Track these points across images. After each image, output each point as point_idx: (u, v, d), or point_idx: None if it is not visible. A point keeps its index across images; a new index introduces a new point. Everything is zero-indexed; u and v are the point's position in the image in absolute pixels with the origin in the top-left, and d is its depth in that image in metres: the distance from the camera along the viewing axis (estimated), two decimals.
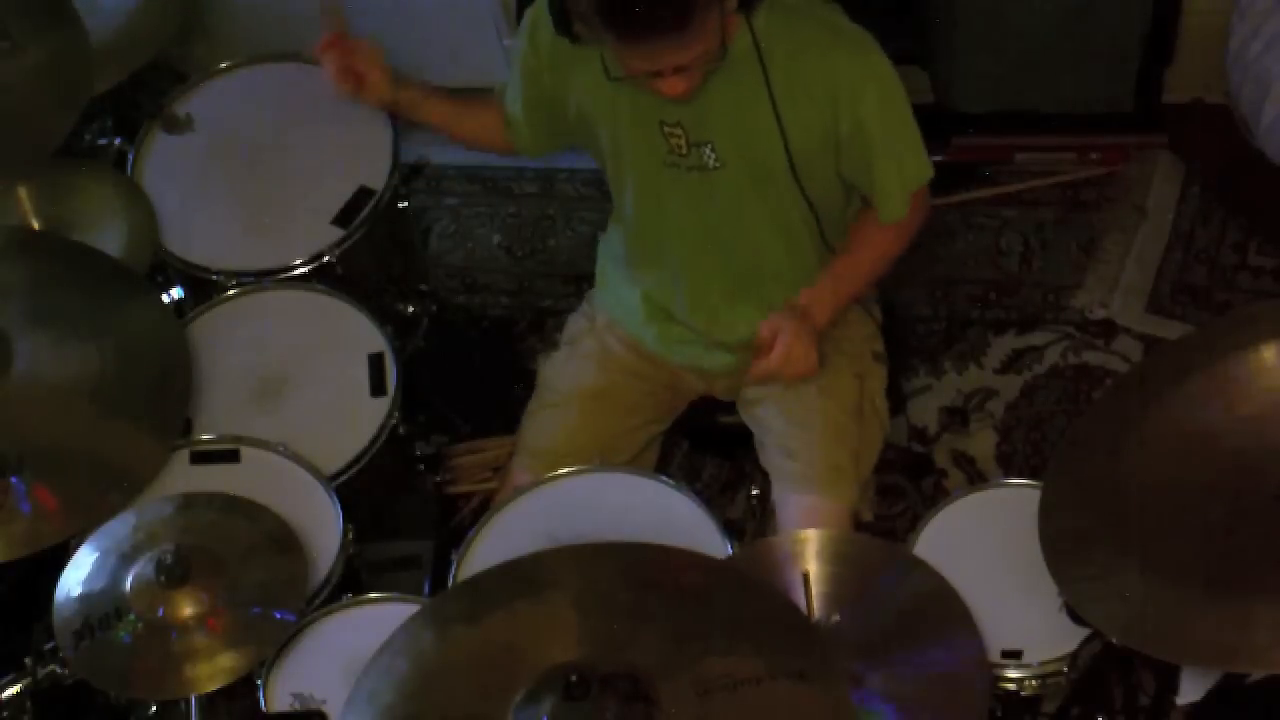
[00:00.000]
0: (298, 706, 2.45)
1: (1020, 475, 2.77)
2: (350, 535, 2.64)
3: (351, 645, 2.42)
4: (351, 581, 2.65)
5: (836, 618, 2.35)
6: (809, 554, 2.46)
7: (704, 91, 2.54)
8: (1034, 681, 2.40)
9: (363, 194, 3.02)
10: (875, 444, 2.85)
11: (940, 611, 2.39)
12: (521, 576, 2.33)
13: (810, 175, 2.62)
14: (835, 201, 2.72)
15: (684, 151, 2.61)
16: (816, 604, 2.37)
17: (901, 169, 2.66)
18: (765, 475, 2.86)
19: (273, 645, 2.47)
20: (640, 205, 2.75)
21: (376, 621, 2.40)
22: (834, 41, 2.57)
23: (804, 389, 2.76)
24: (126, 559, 2.49)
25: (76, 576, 2.50)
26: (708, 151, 2.60)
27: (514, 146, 2.89)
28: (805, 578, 2.39)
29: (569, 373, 2.92)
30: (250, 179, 3.10)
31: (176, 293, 3.03)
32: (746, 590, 2.32)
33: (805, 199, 2.65)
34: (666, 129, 2.60)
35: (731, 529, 2.62)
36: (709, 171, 2.62)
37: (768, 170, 2.61)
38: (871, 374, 2.85)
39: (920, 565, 2.45)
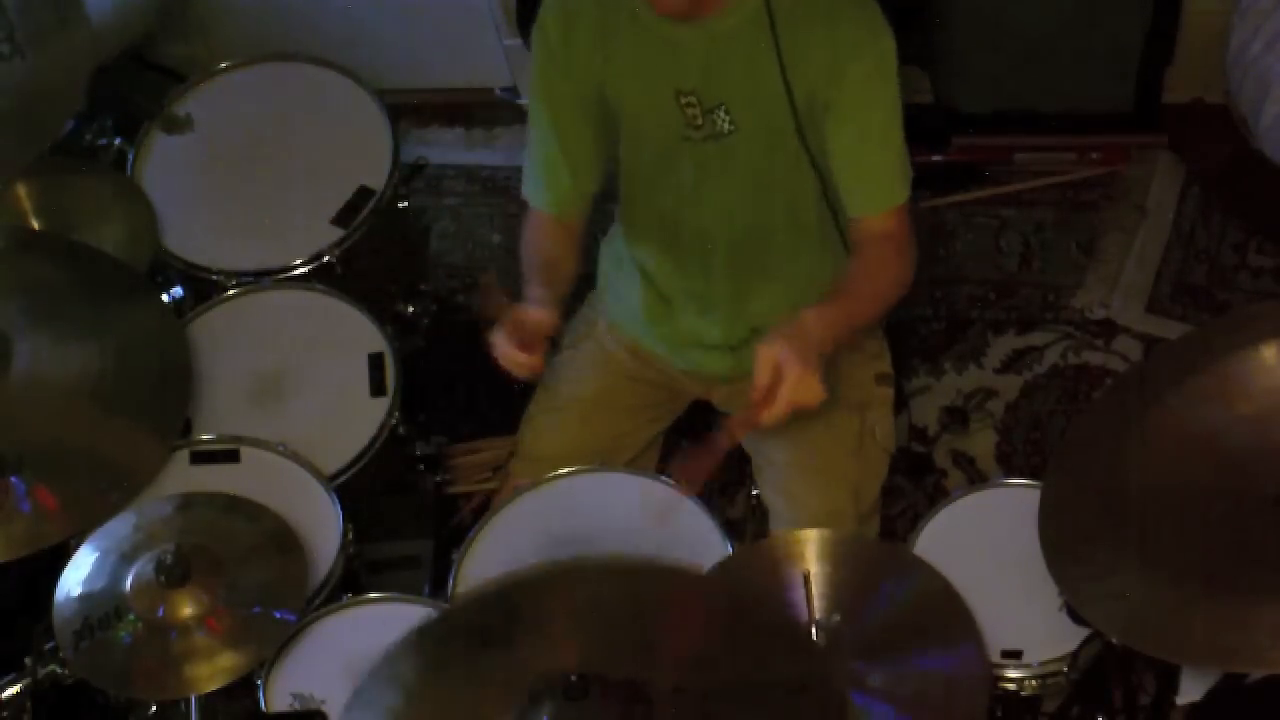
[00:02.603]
0: (298, 706, 2.45)
1: (1020, 475, 2.77)
2: (350, 535, 2.64)
3: (351, 645, 2.41)
4: (351, 581, 2.65)
5: (837, 618, 2.35)
6: (809, 554, 2.45)
7: (715, 52, 2.54)
8: (1034, 681, 2.40)
9: (363, 194, 3.02)
10: (878, 473, 2.82)
11: (940, 612, 2.39)
12: (518, 598, 2.31)
13: (815, 138, 2.61)
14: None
15: (699, 122, 2.60)
16: (817, 604, 2.37)
17: (888, 149, 2.61)
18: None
19: (273, 645, 2.47)
20: (655, 185, 2.72)
21: (376, 621, 2.41)
22: (845, 5, 2.55)
23: (805, 422, 2.70)
24: (126, 559, 2.49)
25: (76, 576, 2.50)
26: (721, 114, 2.59)
27: (570, 212, 2.77)
28: (806, 578, 2.39)
29: (569, 377, 2.92)
30: (250, 179, 3.10)
31: (176, 293, 3.03)
32: (746, 601, 2.31)
33: (811, 161, 2.63)
34: (683, 99, 2.59)
35: (731, 529, 2.62)
36: (723, 138, 2.60)
37: (777, 132, 2.59)
38: (875, 401, 2.82)
39: (921, 565, 2.45)
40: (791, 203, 2.70)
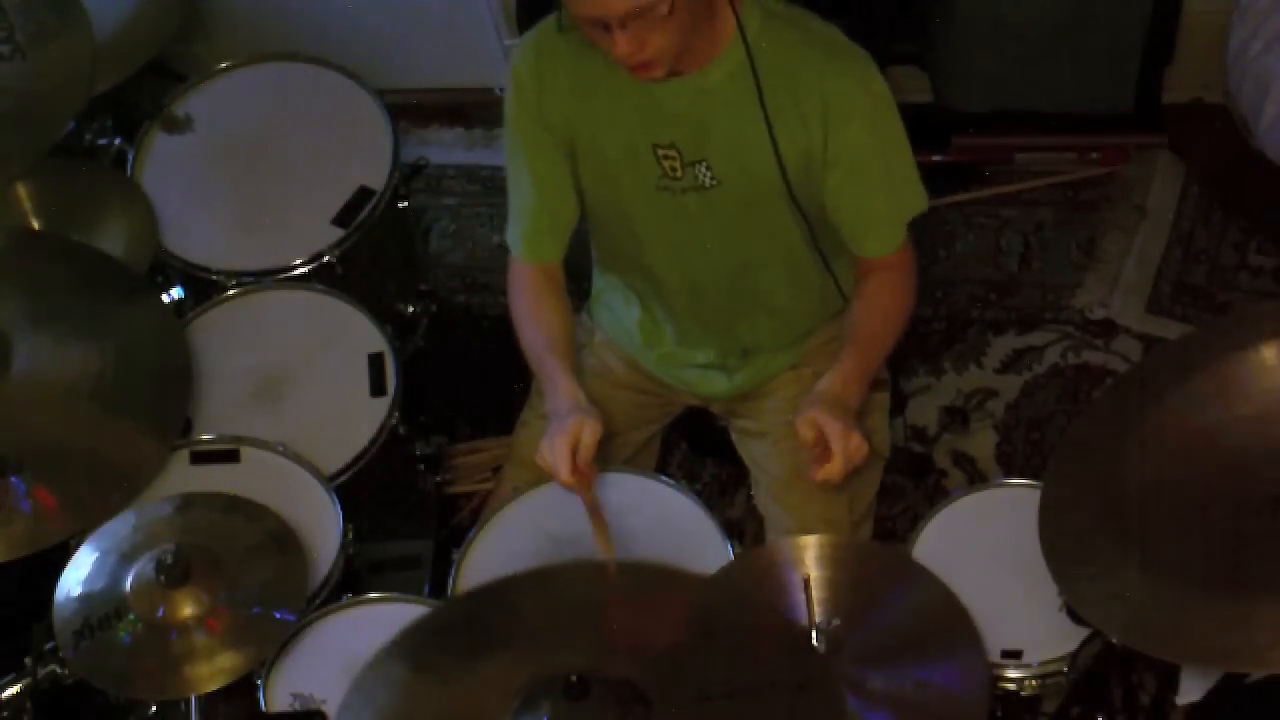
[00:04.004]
0: (298, 706, 2.45)
1: (1020, 475, 2.77)
2: (350, 535, 2.64)
3: (351, 645, 2.41)
4: (351, 581, 2.65)
5: (837, 622, 2.35)
6: (810, 559, 2.45)
7: (697, 109, 2.52)
8: (1034, 681, 2.40)
9: (363, 194, 3.02)
10: (873, 480, 2.80)
11: (941, 617, 2.39)
12: (515, 597, 2.31)
13: (806, 192, 2.58)
14: (828, 214, 2.69)
15: (678, 174, 2.57)
16: (817, 608, 2.36)
17: (894, 194, 2.61)
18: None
19: (273, 645, 2.47)
20: (630, 225, 2.69)
21: (376, 621, 2.41)
22: (829, 57, 2.52)
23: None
24: (126, 559, 2.50)
25: (76, 576, 2.50)
26: (703, 170, 2.56)
27: (552, 258, 2.72)
28: (806, 582, 2.39)
29: None
30: (250, 179, 3.10)
31: (176, 293, 3.03)
32: (745, 603, 2.31)
33: (800, 213, 2.60)
34: (660, 152, 2.56)
35: (731, 529, 2.62)
36: (705, 191, 2.57)
37: (763, 187, 2.56)
38: (870, 407, 2.78)
39: (921, 570, 2.45)
40: (779, 246, 2.67)
